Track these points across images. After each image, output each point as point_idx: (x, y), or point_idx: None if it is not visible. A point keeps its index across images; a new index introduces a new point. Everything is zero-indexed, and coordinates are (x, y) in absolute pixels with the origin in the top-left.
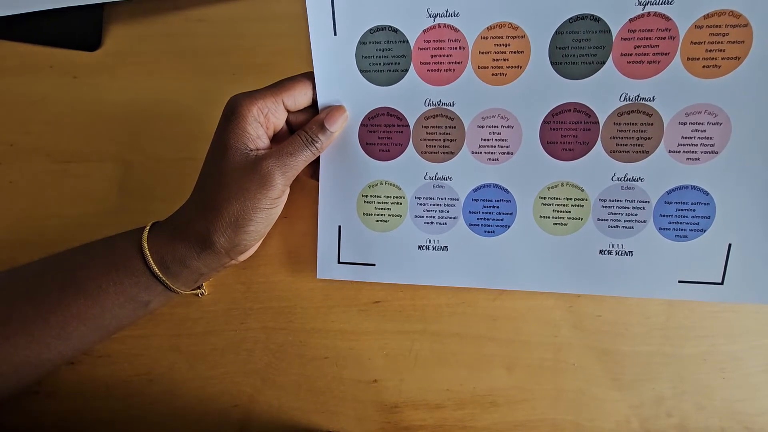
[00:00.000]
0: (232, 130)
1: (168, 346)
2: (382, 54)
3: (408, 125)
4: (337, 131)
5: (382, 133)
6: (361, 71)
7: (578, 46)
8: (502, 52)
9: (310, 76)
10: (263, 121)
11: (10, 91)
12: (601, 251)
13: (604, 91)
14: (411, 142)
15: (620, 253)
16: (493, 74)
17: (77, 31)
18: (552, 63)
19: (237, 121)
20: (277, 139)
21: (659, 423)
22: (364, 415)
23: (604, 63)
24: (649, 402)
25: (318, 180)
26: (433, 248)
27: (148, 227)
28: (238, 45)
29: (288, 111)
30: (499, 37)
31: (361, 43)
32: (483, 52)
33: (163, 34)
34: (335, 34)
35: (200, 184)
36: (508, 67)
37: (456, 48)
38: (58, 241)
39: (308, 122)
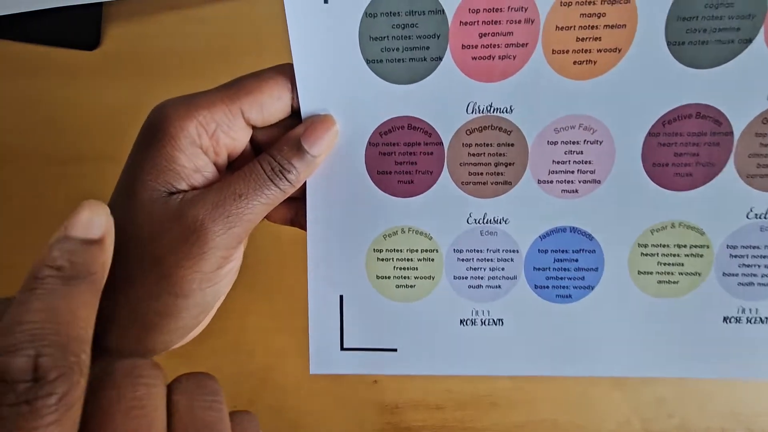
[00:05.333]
0: (150, 158)
1: None
2: (402, 33)
3: (441, 143)
4: (322, 155)
5: (402, 156)
6: (367, 61)
7: (713, 16)
8: (593, 27)
9: (287, 71)
10: (207, 144)
11: (8, 90)
12: (725, 319)
13: (746, 86)
14: (446, 167)
15: (755, 320)
16: (575, 62)
17: (76, 31)
18: (669, 43)
19: (161, 146)
20: (236, 169)
21: (660, 423)
22: (365, 416)
23: (750, 41)
24: (650, 402)
25: (304, 228)
26: (483, 322)
27: None
28: (239, 44)
29: (252, 126)
30: (590, 3)
31: (369, 15)
32: (562, 28)
33: (162, 33)
34: (326, 1)
35: None
36: (599, 50)
37: (520, 21)
38: None
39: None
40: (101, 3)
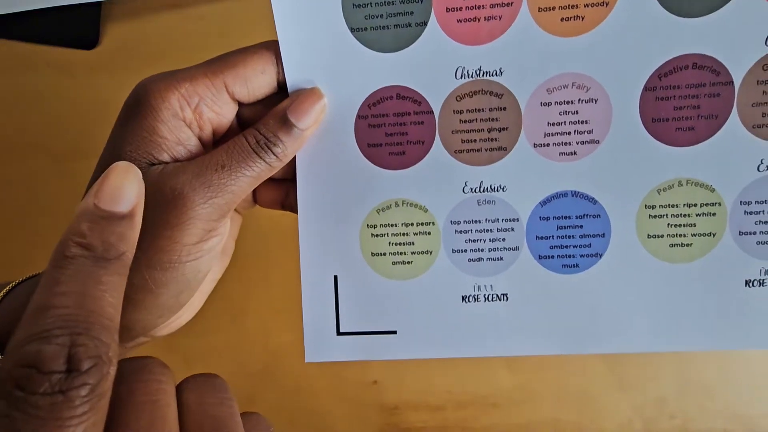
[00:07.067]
0: (131, 130)
1: (166, 346)
2: None
3: (431, 111)
4: (310, 129)
5: (392, 127)
6: (351, 29)
7: None
8: None
9: (272, 46)
10: (190, 117)
11: (8, 90)
12: (748, 282)
13: (742, 32)
14: (438, 136)
15: None
16: (563, 18)
17: (74, 30)
18: None
19: (142, 117)
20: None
21: (662, 424)
22: (365, 417)
23: None
24: (652, 403)
25: (296, 211)
26: (486, 298)
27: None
28: (239, 43)
29: (238, 102)
30: None
31: None
32: None
33: (161, 32)
34: None
35: None
36: (587, 5)
37: None
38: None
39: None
40: (100, 2)
